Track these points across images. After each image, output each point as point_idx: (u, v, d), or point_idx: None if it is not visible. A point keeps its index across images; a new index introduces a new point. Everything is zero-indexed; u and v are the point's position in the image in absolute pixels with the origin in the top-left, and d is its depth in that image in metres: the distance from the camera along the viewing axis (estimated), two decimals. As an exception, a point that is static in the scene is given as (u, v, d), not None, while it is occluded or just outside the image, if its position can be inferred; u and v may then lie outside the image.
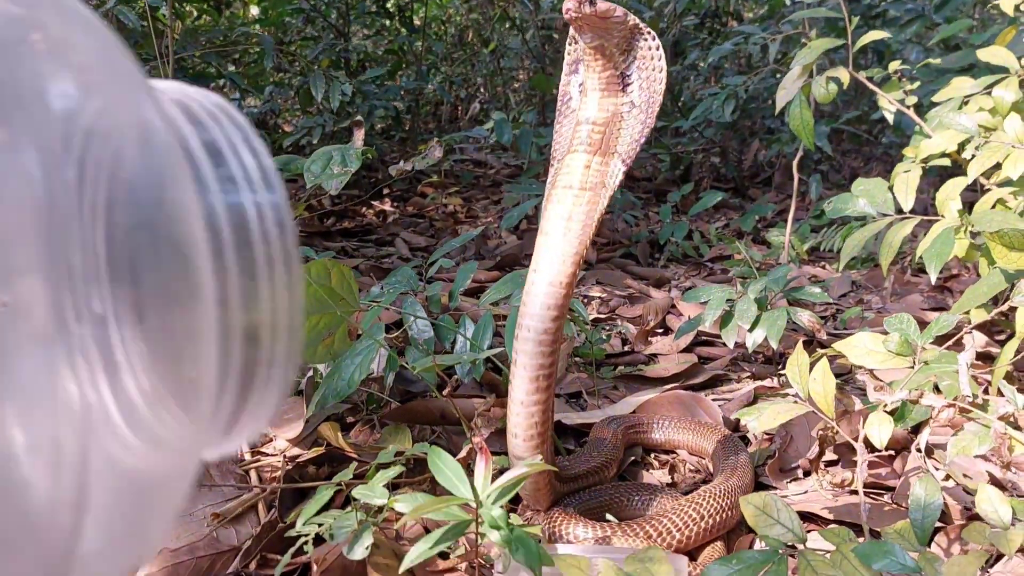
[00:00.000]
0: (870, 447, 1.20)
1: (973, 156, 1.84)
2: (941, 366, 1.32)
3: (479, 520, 1.09)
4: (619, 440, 1.69)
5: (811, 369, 1.25)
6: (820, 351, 1.50)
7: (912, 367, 1.34)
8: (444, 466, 1.17)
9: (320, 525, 1.24)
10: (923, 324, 2.54)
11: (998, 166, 1.79)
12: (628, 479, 1.68)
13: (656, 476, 1.69)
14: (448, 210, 4.54)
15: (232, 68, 5.40)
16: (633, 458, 1.76)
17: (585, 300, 2.91)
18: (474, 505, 1.10)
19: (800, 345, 1.31)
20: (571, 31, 1.28)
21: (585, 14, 1.21)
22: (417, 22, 6.28)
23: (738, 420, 1.94)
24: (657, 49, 1.30)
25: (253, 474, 1.57)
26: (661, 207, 3.85)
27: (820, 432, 1.31)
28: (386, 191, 4.77)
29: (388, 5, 5.59)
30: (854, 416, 1.26)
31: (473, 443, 1.18)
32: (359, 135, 2.13)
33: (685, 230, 3.60)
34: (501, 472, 1.56)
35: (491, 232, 3.90)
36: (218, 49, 3.45)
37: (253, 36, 3.34)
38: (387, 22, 5.75)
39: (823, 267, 3.42)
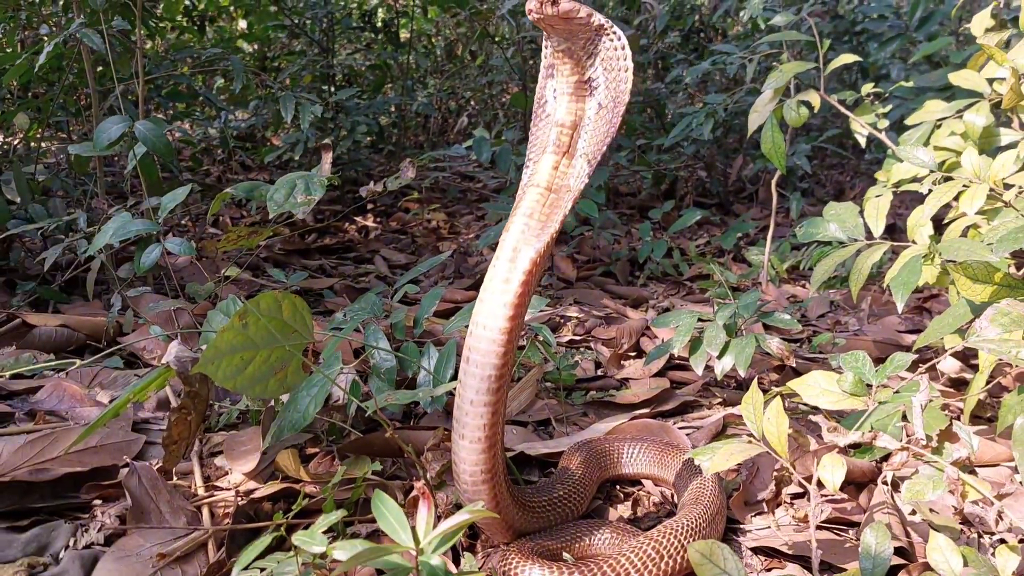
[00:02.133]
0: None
1: (930, 191, 1.82)
2: (893, 408, 1.30)
3: (418, 570, 1.07)
4: (589, 472, 1.66)
5: (765, 407, 1.22)
6: (774, 390, 1.47)
7: (866, 408, 1.32)
8: (386, 511, 1.14)
9: (262, 570, 1.21)
10: (897, 348, 2.53)
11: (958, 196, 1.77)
12: (592, 514, 1.65)
13: (619, 511, 1.66)
14: (431, 226, 4.52)
15: (216, 82, 5.40)
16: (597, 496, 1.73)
17: (561, 320, 2.89)
18: (415, 553, 1.08)
19: (755, 384, 1.28)
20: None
21: (547, 15, 1.20)
22: (405, 35, 6.27)
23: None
24: (623, 49, 1.29)
25: (205, 511, 1.54)
26: (642, 224, 3.83)
27: (775, 472, 1.29)
28: (369, 206, 4.75)
29: (374, 20, 5.57)
30: (808, 456, 1.24)
31: (415, 488, 1.15)
32: (327, 159, 2.11)
33: (665, 248, 3.58)
34: (458, 507, 1.54)
35: (472, 249, 3.88)
36: (200, 70, 3.43)
37: (221, 58, 3.31)
38: (373, 36, 5.73)
39: (803, 286, 3.40)
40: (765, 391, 2.20)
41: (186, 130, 4.74)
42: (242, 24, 6.03)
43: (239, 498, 1.59)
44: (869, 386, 1.40)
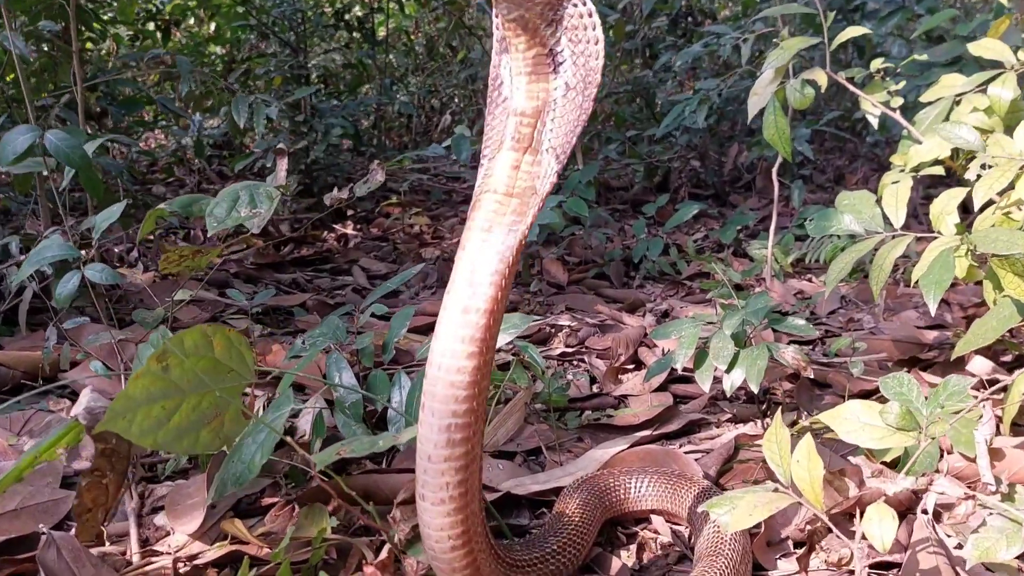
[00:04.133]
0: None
1: (978, 176, 1.59)
2: (963, 434, 1.07)
3: None
4: (589, 516, 1.44)
5: (793, 448, 1.00)
6: (802, 424, 1.25)
7: (917, 444, 1.10)
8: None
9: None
10: (919, 347, 2.32)
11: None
12: (593, 567, 1.43)
13: (623, 558, 1.44)
14: (413, 231, 4.29)
15: (183, 90, 5.16)
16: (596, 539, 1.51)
17: (552, 330, 2.67)
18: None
19: (779, 417, 1.06)
20: None
21: None
22: (383, 33, 6.04)
23: (720, 475, 1.70)
24: (590, 16, 1.05)
25: (140, 583, 1.32)
26: (636, 222, 3.61)
27: (808, 526, 1.07)
28: (349, 213, 4.52)
29: (347, 17, 5.33)
30: (847, 502, 1.02)
31: (365, 572, 0.93)
32: (281, 165, 1.88)
33: (661, 246, 3.36)
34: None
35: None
36: (152, 73, 3.20)
37: (166, 58, 3.09)
38: (348, 35, 5.50)
39: (809, 280, 3.18)
40: (779, 404, 1.98)
41: (153, 140, 4.50)
42: (213, 28, 5.79)
43: (179, 565, 1.37)
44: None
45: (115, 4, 3.46)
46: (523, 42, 1.04)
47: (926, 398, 1.16)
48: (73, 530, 1.37)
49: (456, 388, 1.00)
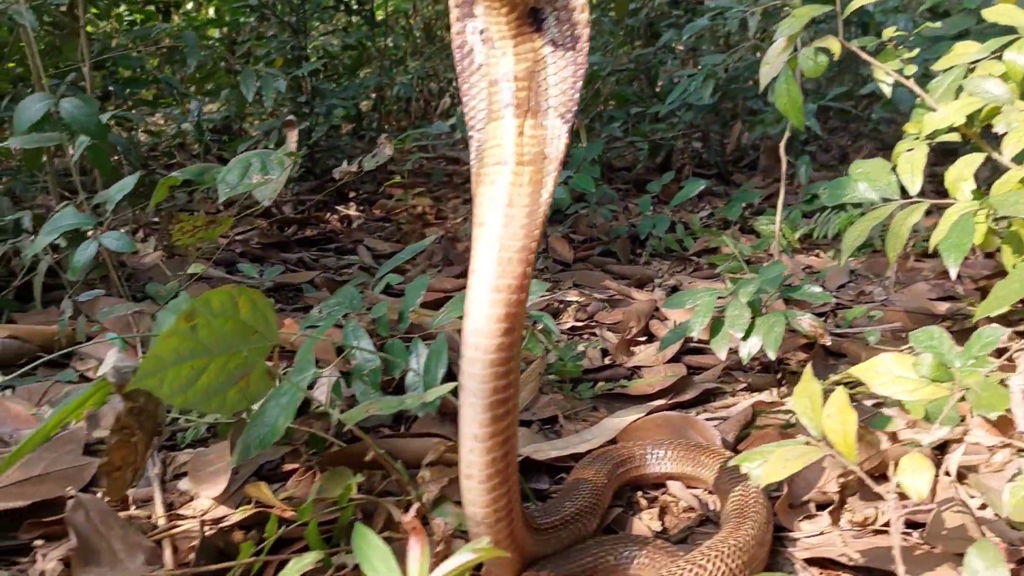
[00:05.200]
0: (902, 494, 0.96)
1: (1005, 132, 1.59)
2: (985, 396, 1.08)
3: (412, 626, 0.85)
4: (604, 482, 1.44)
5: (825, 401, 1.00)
6: (831, 378, 1.26)
7: (950, 395, 1.10)
8: (370, 551, 0.92)
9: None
10: (931, 318, 2.32)
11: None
12: (614, 528, 1.43)
13: (645, 521, 1.45)
14: (416, 212, 4.28)
15: (187, 73, 5.14)
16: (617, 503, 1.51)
17: (561, 305, 2.66)
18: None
19: (809, 371, 1.06)
20: None
21: None
22: (381, 15, 6.01)
23: (738, 441, 1.71)
24: None
25: (167, 545, 1.32)
26: (641, 198, 3.60)
27: (839, 479, 1.07)
28: (351, 194, 4.51)
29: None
30: (877, 456, 1.02)
31: (403, 523, 0.94)
32: (292, 136, 1.87)
33: (667, 223, 3.36)
34: (462, 533, 1.33)
35: (460, 234, 3.65)
36: (155, 51, 3.19)
37: (174, 34, 3.07)
38: (348, 18, 5.48)
39: (817, 255, 3.18)
40: (794, 373, 1.99)
41: (152, 124, 4.48)
42: (212, 12, 5.76)
43: (206, 528, 1.37)
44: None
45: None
46: (504, 4, 1.00)
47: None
48: (100, 492, 1.37)
49: (496, 366, 1.00)
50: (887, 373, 1.15)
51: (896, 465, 0.97)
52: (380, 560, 0.90)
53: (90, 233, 1.71)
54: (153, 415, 1.20)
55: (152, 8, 4.41)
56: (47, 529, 1.35)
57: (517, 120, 1.05)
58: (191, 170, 1.65)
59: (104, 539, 1.29)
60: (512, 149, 1.05)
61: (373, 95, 5.73)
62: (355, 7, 5.29)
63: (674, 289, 2.85)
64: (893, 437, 1.09)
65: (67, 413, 1.18)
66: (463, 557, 0.88)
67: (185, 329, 1.11)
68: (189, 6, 5.63)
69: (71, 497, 1.34)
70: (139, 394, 1.18)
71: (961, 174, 1.78)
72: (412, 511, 1.21)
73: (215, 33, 5.75)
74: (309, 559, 0.97)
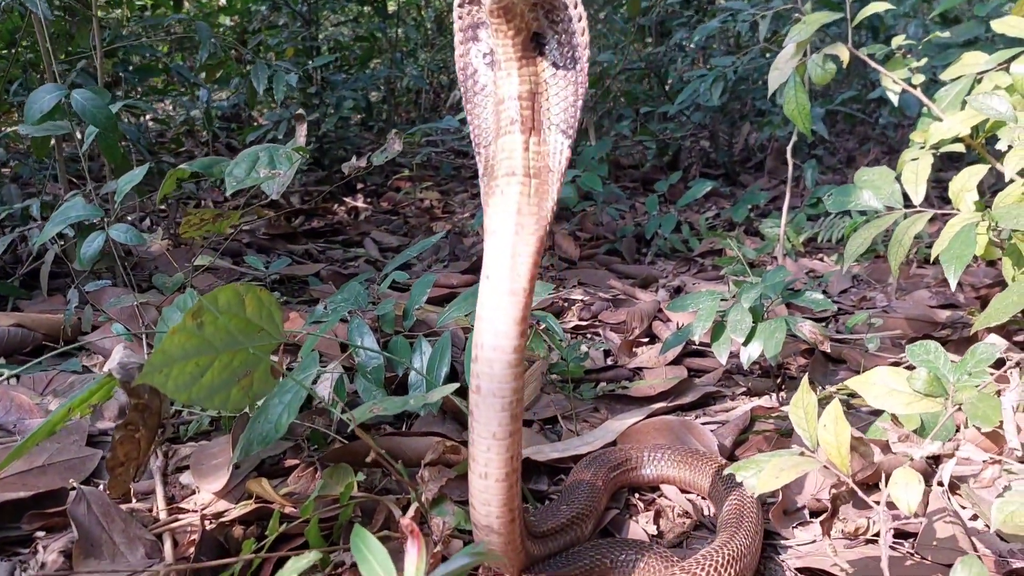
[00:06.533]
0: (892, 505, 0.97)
1: (1009, 147, 1.60)
2: (980, 407, 1.09)
3: (407, 629, 0.87)
4: (601, 485, 1.46)
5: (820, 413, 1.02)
6: (827, 390, 1.27)
7: (943, 410, 1.11)
8: (368, 552, 0.94)
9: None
10: (931, 325, 2.33)
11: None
12: (611, 531, 1.45)
13: (641, 524, 1.46)
14: (423, 205, 4.30)
15: (196, 61, 5.15)
16: (614, 505, 1.52)
17: (565, 303, 2.68)
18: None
19: (805, 383, 1.07)
20: None
21: None
22: (393, 6, 6.01)
23: (735, 446, 1.72)
24: None
25: (167, 539, 1.34)
26: (648, 198, 3.61)
27: (833, 489, 1.08)
28: (359, 186, 4.53)
29: (359, -10, 5.31)
30: (870, 468, 1.03)
31: (401, 525, 0.95)
32: (301, 130, 1.89)
33: (673, 223, 3.37)
34: (460, 533, 1.34)
35: (467, 229, 3.66)
36: (167, 39, 3.19)
37: (186, 23, 3.08)
38: (360, 8, 5.48)
39: (820, 259, 3.19)
40: (794, 379, 2.00)
41: (161, 111, 4.49)
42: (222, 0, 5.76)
43: (206, 522, 1.39)
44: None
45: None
46: (512, 28, 1.04)
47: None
48: (103, 484, 1.39)
49: (514, 367, 1.03)
50: (883, 386, 1.16)
51: (887, 478, 0.98)
52: (378, 561, 0.92)
53: (98, 224, 1.72)
54: (157, 412, 1.21)
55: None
56: (49, 520, 1.37)
57: (523, 136, 1.08)
58: (200, 163, 1.67)
59: (105, 532, 1.30)
60: (520, 162, 1.08)
61: (382, 87, 5.75)
62: (366, -1, 5.30)
63: (678, 290, 2.86)
64: (886, 449, 1.10)
65: (74, 406, 1.19)
66: (460, 560, 0.89)
67: (192, 326, 1.13)
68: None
69: (73, 488, 1.36)
70: (143, 390, 1.20)
71: (965, 185, 1.79)
72: (410, 512, 1.23)
73: (226, 20, 5.75)
74: (307, 560, 0.98)
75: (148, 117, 3.59)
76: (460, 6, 1.10)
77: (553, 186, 1.10)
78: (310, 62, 4.01)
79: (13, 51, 2.50)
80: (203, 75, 4.19)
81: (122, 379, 1.16)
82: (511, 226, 1.08)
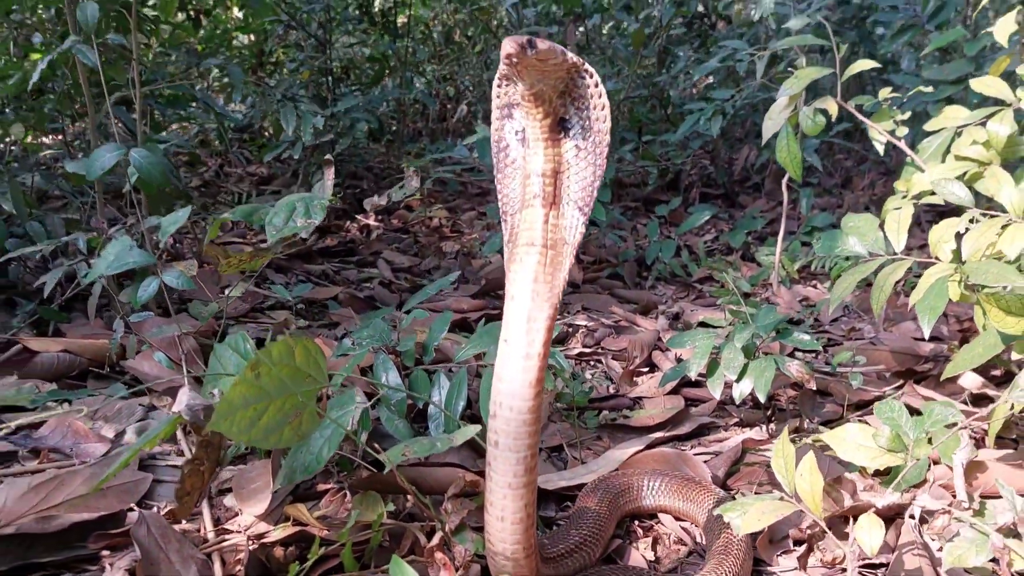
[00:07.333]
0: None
1: (967, 229, 1.76)
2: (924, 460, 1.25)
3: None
4: (607, 511, 1.62)
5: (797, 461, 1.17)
6: (805, 441, 1.43)
7: (904, 463, 1.27)
8: (405, 579, 1.10)
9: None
10: (915, 358, 2.48)
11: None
12: (612, 556, 1.60)
13: (641, 550, 1.62)
14: (433, 224, 4.45)
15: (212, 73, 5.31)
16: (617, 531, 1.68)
17: (569, 329, 2.84)
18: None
19: (785, 435, 1.23)
20: (502, 69, 1.20)
21: (526, 59, 1.12)
22: (403, 20, 6.16)
23: (727, 476, 1.88)
24: (597, 87, 1.22)
25: (216, 559, 1.50)
26: (649, 224, 3.77)
27: (808, 530, 1.24)
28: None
29: (372, 10, 5.48)
30: (842, 511, 1.19)
31: (435, 558, 1.10)
32: (328, 176, 2.04)
33: (673, 249, 3.53)
34: (480, 558, 1.50)
35: (476, 251, 3.82)
36: (195, 66, 3.36)
37: (220, 66, 3.24)
38: (371, 27, 5.64)
39: (814, 286, 3.35)
40: (783, 410, 2.16)
41: (180, 138, 4.65)
42: (237, 13, 5.91)
43: (250, 543, 1.55)
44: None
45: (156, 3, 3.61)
46: (541, 112, 1.19)
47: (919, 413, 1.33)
48: (157, 507, 1.55)
49: (529, 425, 1.17)
50: (852, 442, 1.32)
51: (855, 519, 1.14)
52: (413, 588, 1.08)
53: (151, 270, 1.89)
54: (218, 448, 1.37)
55: (185, 16, 4.57)
56: (111, 540, 1.52)
57: (544, 209, 1.23)
58: (242, 210, 1.83)
59: (163, 552, 1.46)
60: (540, 233, 1.23)
61: (392, 102, 5.90)
62: (378, 19, 5.46)
63: (676, 316, 3.02)
64: (855, 494, 1.25)
65: (145, 444, 1.35)
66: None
67: (251, 377, 1.29)
68: (217, 10, 5.80)
69: (131, 509, 1.52)
70: (209, 431, 1.36)
71: (942, 236, 1.94)
72: (435, 538, 1.39)
73: (242, 38, 5.92)
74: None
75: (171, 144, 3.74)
76: (499, 86, 1.25)
77: (567, 258, 1.25)
78: (327, 82, 4.16)
79: (54, 86, 2.67)
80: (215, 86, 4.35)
81: (191, 419, 1.32)
82: (528, 292, 1.23)
